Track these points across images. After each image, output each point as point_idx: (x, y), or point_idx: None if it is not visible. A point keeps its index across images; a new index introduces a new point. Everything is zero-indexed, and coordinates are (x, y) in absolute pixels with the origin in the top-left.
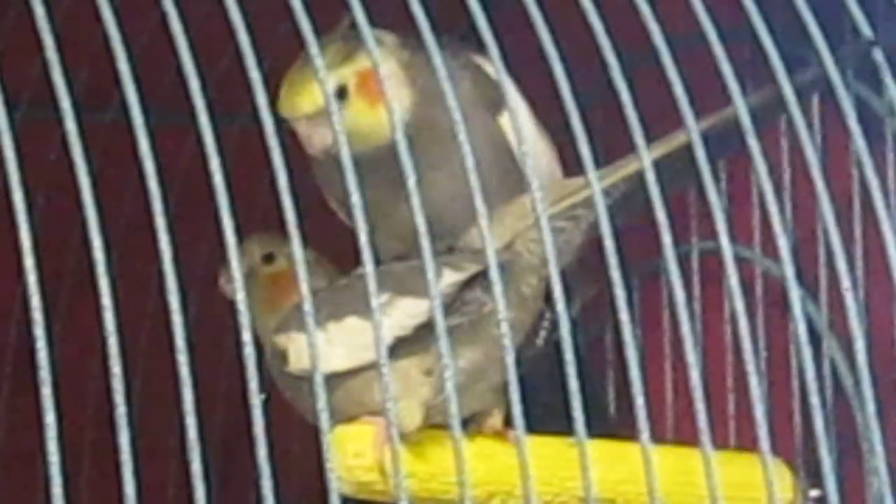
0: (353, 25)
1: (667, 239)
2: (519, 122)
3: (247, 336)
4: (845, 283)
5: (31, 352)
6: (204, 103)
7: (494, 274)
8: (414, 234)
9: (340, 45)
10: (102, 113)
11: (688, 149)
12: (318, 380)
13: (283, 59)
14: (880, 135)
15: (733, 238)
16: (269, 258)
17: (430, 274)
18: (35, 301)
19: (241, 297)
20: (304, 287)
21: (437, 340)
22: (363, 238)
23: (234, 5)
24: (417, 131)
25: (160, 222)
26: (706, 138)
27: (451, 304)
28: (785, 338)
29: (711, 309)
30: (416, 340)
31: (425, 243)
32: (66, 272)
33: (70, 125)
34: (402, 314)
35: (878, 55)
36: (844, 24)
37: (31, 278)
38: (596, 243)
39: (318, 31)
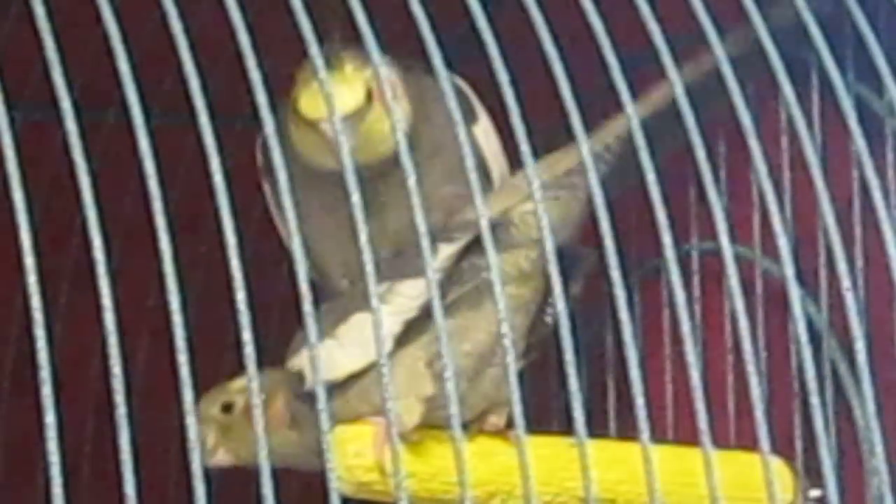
0: (342, 38)
1: (667, 239)
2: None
3: (247, 336)
4: (845, 283)
5: (32, 351)
6: (204, 103)
7: (487, 238)
8: (401, 233)
9: (355, 52)
10: (102, 113)
11: (674, 105)
12: (318, 379)
13: (283, 59)
14: (880, 135)
15: (733, 238)
16: (227, 408)
17: (426, 251)
18: (35, 301)
19: (241, 297)
20: (304, 285)
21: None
22: (363, 238)
23: (234, 6)
24: (410, 142)
25: (160, 222)
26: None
27: (450, 277)
28: (785, 338)
29: (711, 309)
30: (418, 328)
31: (421, 223)
32: (66, 272)
33: (70, 125)
34: (404, 298)
35: None
36: (844, 24)
37: (31, 278)
38: (595, 241)
39: (319, 32)
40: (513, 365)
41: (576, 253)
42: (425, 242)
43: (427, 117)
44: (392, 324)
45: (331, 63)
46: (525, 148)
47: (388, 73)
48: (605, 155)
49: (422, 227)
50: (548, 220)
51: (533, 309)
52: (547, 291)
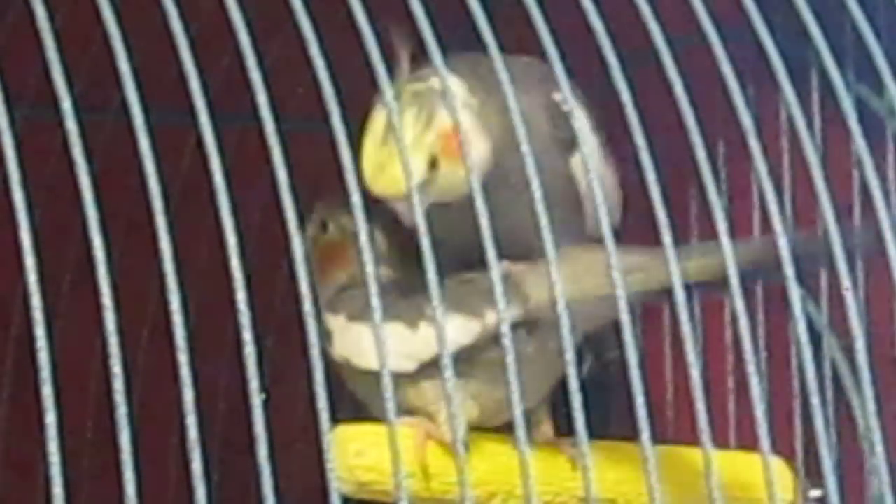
0: (415, 59)
1: (667, 239)
2: (591, 164)
3: (247, 336)
4: (845, 283)
5: (32, 351)
6: (204, 103)
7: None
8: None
9: (417, 109)
10: (102, 113)
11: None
12: (319, 378)
13: (283, 59)
14: (880, 135)
15: (733, 237)
16: (323, 226)
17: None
18: (35, 301)
19: (241, 298)
20: (304, 285)
21: (477, 367)
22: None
23: (234, 5)
24: (493, 176)
25: (160, 222)
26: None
27: (494, 338)
28: (785, 338)
29: (711, 309)
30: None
31: (495, 271)
32: (67, 272)
33: (70, 125)
34: (452, 332)
35: None
36: (844, 24)
37: (31, 278)
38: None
39: (319, 31)
40: (513, 365)
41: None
42: (495, 271)
43: (513, 143)
44: (429, 345)
45: (392, 127)
46: (525, 148)
47: (465, 113)
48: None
49: (494, 269)
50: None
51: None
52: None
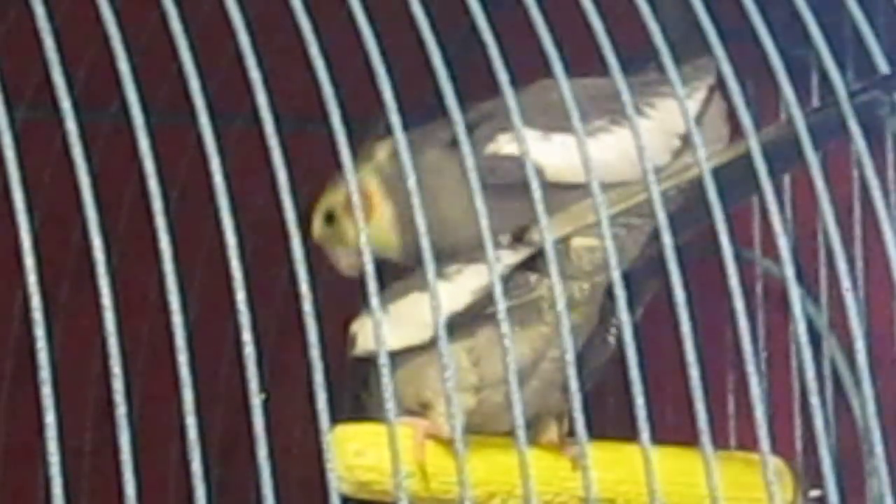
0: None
1: (667, 239)
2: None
3: (247, 336)
4: (845, 283)
5: (32, 351)
6: (204, 103)
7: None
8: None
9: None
10: (102, 113)
11: (747, 159)
12: (319, 379)
13: (283, 59)
14: (880, 135)
15: (733, 238)
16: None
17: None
18: (35, 301)
19: (241, 298)
20: (304, 285)
21: (483, 326)
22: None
23: (234, 5)
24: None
25: (160, 222)
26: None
27: (504, 286)
28: (785, 338)
29: (712, 309)
30: (463, 326)
31: (486, 233)
32: (66, 272)
33: (70, 125)
34: (467, 283)
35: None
36: (844, 24)
37: (31, 278)
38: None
39: (319, 31)
40: (513, 364)
41: (639, 277)
42: (486, 232)
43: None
44: (446, 302)
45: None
46: (525, 148)
47: (373, 178)
48: (675, 196)
49: (485, 225)
50: (605, 254)
51: (584, 333)
52: (602, 316)
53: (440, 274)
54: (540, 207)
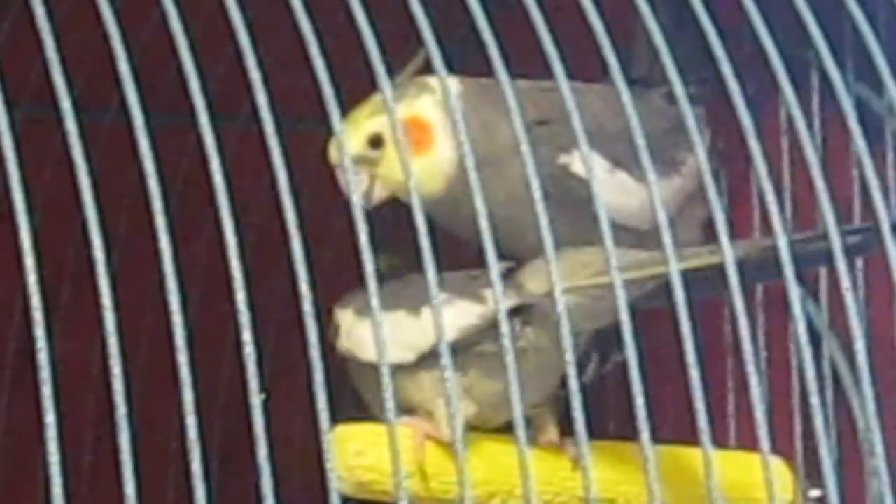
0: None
1: (667, 239)
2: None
3: (247, 336)
4: (845, 283)
5: (32, 352)
6: (204, 103)
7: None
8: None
9: (389, 93)
10: (102, 113)
11: (720, 267)
12: (319, 379)
13: (283, 59)
14: (880, 135)
15: (733, 237)
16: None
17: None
18: (35, 301)
19: (241, 298)
20: (304, 285)
21: (473, 359)
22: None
23: (234, 5)
24: (459, 181)
25: (160, 222)
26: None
27: (488, 331)
28: (785, 338)
29: (711, 309)
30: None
31: (494, 271)
32: (66, 272)
33: (70, 125)
34: (454, 317)
35: None
36: (844, 24)
37: (31, 278)
38: None
39: (319, 31)
40: (512, 364)
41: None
42: (494, 269)
43: (496, 135)
44: (430, 331)
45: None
46: (525, 148)
47: (437, 109)
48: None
49: (492, 259)
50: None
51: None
52: (586, 353)
53: (425, 301)
54: (609, 244)
